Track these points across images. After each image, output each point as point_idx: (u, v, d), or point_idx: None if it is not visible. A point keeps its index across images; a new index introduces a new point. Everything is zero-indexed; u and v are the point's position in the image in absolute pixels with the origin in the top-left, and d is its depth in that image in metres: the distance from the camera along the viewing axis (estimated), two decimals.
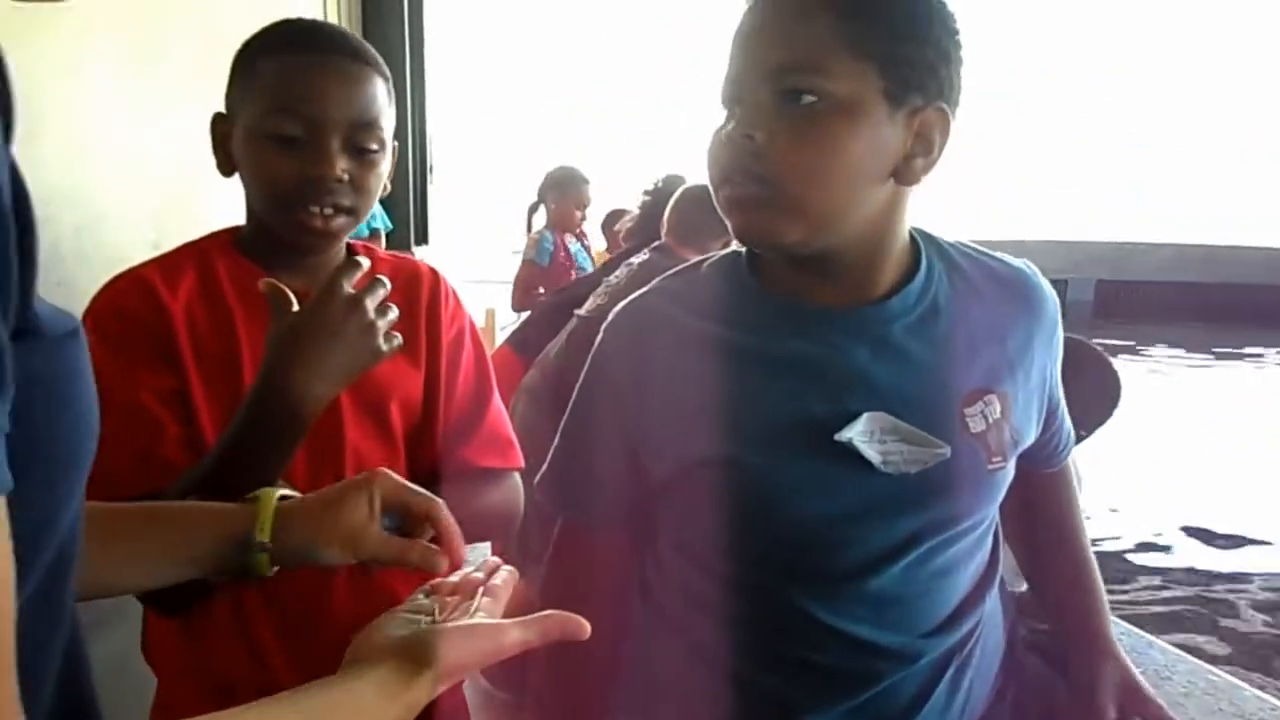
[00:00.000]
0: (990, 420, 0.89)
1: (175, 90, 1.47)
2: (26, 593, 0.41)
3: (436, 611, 0.65)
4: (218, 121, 1.01)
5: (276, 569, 0.75)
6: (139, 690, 1.05)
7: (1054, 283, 1.00)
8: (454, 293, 1.15)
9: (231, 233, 1.06)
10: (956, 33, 0.84)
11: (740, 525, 0.88)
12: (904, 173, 0.84)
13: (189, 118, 1.51)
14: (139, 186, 1.41)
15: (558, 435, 1.01)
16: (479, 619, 0.63)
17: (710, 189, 0.87)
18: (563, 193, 4.12)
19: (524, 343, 3.02)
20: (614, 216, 4.42)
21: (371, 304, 0.87)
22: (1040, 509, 1.08)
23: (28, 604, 0.40)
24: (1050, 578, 1.10)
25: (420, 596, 0.68)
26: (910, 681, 0.89)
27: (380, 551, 0.72)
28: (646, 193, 3.17)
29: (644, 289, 0.99)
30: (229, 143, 1.00)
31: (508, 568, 0.71)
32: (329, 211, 0.97)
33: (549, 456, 1.02)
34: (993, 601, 0.99)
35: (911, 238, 0.92)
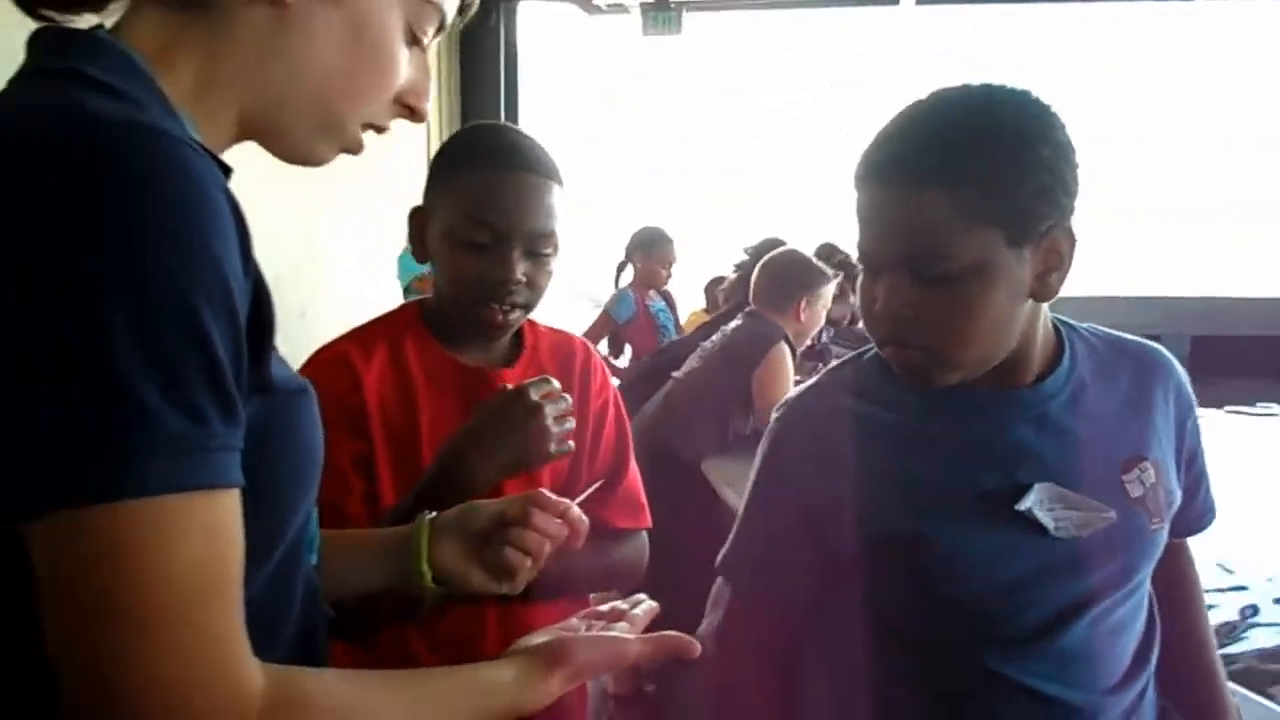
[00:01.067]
0: (1147, 485, 0.96)
1: None
2: (267, 571, 0.59)
3: (582, 629, 0.77)
4: (415, 214, 1.16)
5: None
6: None
7: (1148, 339, 1.06)
8: (603, 366, 1.27)
9: (417, 308, 1.20)
10: (1066, 145, 0.87)
11: (927, 593, 0.94)
12: (1041, 292, 0.90)
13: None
14: None
15: (739, 515, 1.08)
16: (611, 633, 0.75)
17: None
18: (648, 252, 4.26)
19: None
20: (716, 281, 4.54)
21: (551, 413, 1.00)
22: (1171, 580, 1.10)
23: (268, 582, 0.59)
24: (1174, 651, 1.09)
25: (574, 620, 0.80)
26: None
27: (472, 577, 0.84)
28: (746, 251, 3.33)
29: (814, 379, 1.08)
30: (425, 234, 1.14)
31: (650, 602, 0.81)
32: (507, 308, 1.10)
33: (731, 535, 1.08)
34: (1153, 665, 1.02)
35: (1054, 325, 1.00)
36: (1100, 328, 1.05)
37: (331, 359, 1.12)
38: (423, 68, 0.69)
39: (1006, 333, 0.91)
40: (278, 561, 0.60)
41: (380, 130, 0.70)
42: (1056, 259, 0.89)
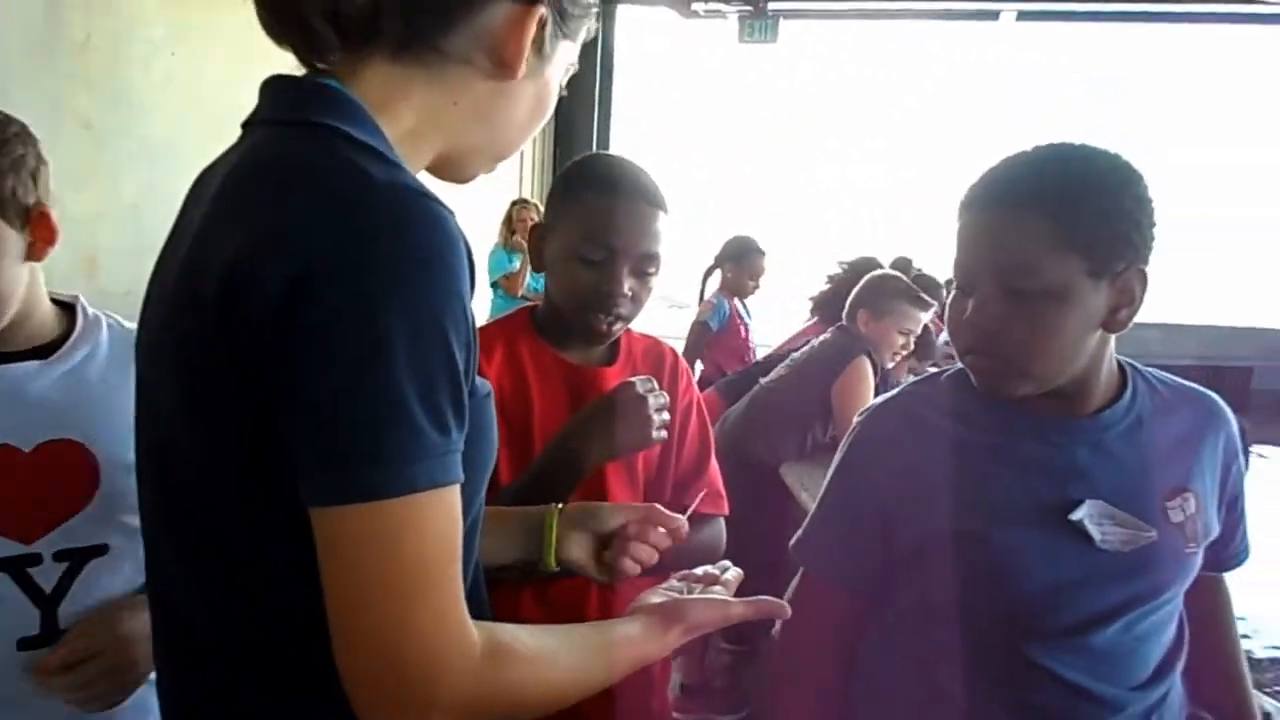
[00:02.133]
0: (1187, 513, 1.06)
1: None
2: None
3: (685, 589, 0.89)
4: (535, 229, 1.30)
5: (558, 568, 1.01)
6: None
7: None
8: (688, 370, 1.41)
9: (529, 313, 1.33)
10: (1146, 200, 1.01)
11: (980, 588, 1.05)
12: (1111, 324, 1.02)
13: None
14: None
15: (815, 504, 1.20)
16: (713, 595, 0.86)
17: (952, 347, 1.10)
18: (738, 263, 4.30)
19: (708, 403, 3.26)
20: None
21: (654, 403, 1.14)
22: (1208, 605, 1.21)
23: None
24: (1205, 673, 1.20)
25: (674, 581, 0.91)
26: None
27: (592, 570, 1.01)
28: (841, 265, 3.40)
29: (894, 392, 1.20)
30: (544, 246, 1.28)
31: (737, 569, 0.92)
32: (611, 319, 1.23)
33: (806, 521, 1.21)
34: (1178, 674, 1.12)
35: (1119, 364, 1.11)
36: (1169, 375, 1.15)
37: None
38: None
39: (1075, 354, 1.03)
40: (465, 532, 0.71)
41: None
42: (1129, 297, 1.01)
